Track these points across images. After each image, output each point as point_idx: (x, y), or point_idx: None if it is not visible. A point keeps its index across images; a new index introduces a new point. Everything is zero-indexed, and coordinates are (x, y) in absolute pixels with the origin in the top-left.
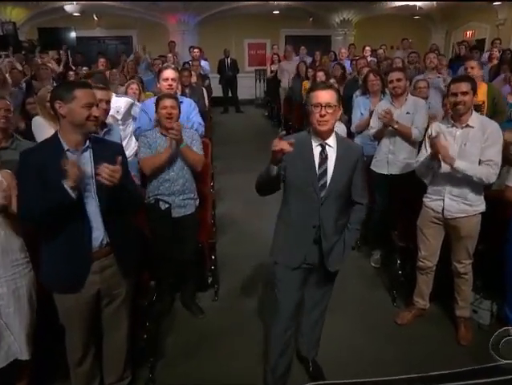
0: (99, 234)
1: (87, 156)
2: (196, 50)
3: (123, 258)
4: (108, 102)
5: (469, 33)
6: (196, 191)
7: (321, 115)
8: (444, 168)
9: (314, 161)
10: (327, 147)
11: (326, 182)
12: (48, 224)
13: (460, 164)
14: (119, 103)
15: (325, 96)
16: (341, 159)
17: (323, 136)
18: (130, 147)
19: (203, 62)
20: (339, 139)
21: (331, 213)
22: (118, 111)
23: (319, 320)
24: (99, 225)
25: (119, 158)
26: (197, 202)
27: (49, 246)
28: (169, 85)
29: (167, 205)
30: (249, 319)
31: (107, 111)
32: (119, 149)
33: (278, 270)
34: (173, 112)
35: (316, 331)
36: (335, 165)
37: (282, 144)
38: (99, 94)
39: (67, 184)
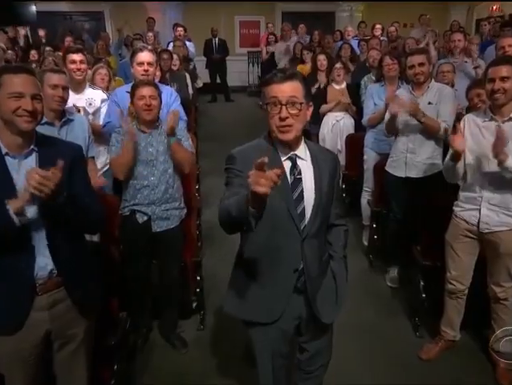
0: (46, 261)
1: (31, 161)
2: (180, 29)
3: (76, 291)
4: (65, 88)
5: (494, 8)
6: (182, 198)
7: (281, 119)
8: (492, 166)
9: (288, 182)
10: (298, 160)
11: (304, 209)
12: None
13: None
14: (93, 95)
15: (285, 90)
16: (320, 174)
17: (289, 146)
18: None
19: (187, 44)
20: (310, 146)
21: (315, 249)
22: (91, 104)
23: (320, 374)
24: (44, 250)
25: (61, 162)
26: (184, 212)
27: None
28: (145, 70)
29: (145, 217)
30: (241, 352)
31: (64, 99)
32: (75, 151)
33: (252, 332)
34: (153, 103)
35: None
36: (315, 184)
37: (271, 176)
38: (55, 78)
39: (12, 207)
